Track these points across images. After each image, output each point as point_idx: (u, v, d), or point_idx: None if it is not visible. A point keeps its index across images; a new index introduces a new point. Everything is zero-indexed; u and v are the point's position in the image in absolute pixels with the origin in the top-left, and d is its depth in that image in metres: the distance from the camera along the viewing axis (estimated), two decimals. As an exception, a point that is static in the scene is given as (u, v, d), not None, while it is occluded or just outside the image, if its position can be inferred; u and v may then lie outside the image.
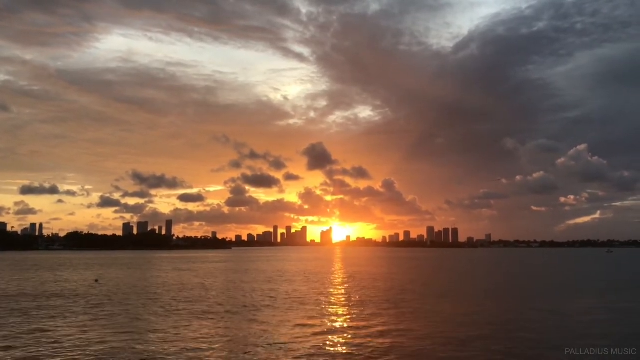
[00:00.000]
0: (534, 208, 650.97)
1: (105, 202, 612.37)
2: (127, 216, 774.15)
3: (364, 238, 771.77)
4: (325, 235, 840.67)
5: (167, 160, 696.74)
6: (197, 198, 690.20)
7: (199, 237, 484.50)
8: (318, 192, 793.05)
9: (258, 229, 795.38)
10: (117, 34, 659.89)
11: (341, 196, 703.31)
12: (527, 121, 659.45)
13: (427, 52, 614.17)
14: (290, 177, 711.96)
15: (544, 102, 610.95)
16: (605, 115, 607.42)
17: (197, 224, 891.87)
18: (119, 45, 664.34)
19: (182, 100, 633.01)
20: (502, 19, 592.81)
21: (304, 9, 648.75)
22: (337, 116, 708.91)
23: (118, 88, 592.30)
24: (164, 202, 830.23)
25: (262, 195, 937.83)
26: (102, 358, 23.17)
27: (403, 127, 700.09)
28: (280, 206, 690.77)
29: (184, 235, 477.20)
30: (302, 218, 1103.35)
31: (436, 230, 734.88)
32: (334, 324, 32.47)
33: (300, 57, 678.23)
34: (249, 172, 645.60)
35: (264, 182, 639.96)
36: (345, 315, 36.71)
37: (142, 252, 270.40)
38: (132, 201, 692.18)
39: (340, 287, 59.98)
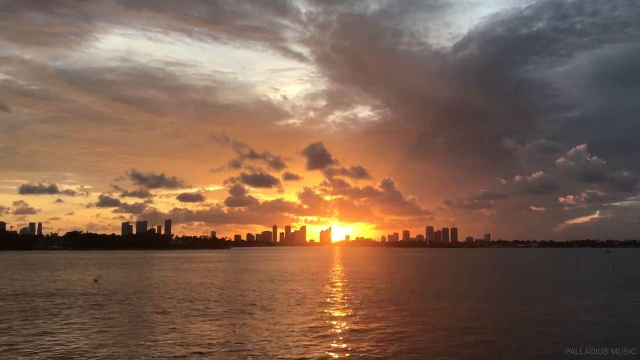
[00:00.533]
0: (533, 208, 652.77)
1: (105, 202, 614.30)
2: (127, 216, 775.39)
3: (363, 238, 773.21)
4: (325, 235, 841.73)
5: (167, 160, 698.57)
6: (196, 198, 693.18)
7: (198, 236, 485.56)
8: (317, 192, 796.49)
9: (257, 229, 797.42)
10: (117, 33, 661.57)
11: (340, 196, 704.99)
12: (527, 121, 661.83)
13: (427, 52, 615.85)
14: (289, 176, 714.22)
15: (543, 102, 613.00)
16: (604, 115, 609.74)
17: (196, 223, 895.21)
18: (118, 44, 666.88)
19: (182, 100, 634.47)
20: (501, 19, 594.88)
21: (304, 9, 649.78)
22: (337, 116, 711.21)
23: (117, 88, 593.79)
24: (163, 202, 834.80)
25: (262, 195, 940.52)
26: (102, 358, 23.10)
27: (402, 127, 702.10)
28: (279, 206, 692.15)
29: (183, 235, 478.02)
30: (302, 218, 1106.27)
31: (435, 230, 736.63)
32: (333, 324, 32.42)
33: (299, 56, 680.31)
34: (248, 172, 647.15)
35: (264, 181, 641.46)
36: (345, 315, 36.65)
37: (141, 252, 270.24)
38: (131, 201, 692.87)
39: (339, 287, 59.93)
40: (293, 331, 29.49)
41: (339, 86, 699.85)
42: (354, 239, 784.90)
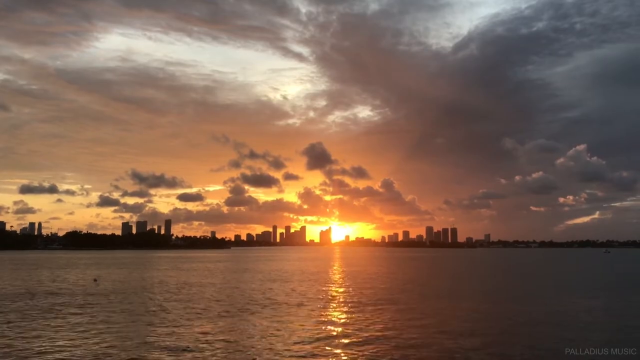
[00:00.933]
0: (533, 208, 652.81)
1: (105, 202, 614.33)
2: (126, 215, 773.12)
3: (363, 238, 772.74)
4: (325, 235, 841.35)
5: (167, 160, 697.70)
6: (196, 198, 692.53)
7: (198, 236, 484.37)
8: (317, 192, 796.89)
9: (257, 229, 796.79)
10: (117, 33, 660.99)
11: (340, 196, 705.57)
12: (527, 121, 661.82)
13: (427, 52, 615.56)
14: (289, 176, 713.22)
15: (543, 102, 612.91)
16: (604, 115, 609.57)
17: (196, 223, 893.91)
18: (118, 44, 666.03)
19: (181, 99, 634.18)
20: (501, 19, 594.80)
21: (304, 9, 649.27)
22: (337, 116, 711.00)
23: (117, 87, 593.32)
24: (163, 202, 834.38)
25: (262, 195, 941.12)
26: (101, 358, 23.10)
27: (402, 127, 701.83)
28: (279, 206, 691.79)
29: (183, 235, 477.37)
30: (302, 218, 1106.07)
31: (435, 230, 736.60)
32: (334, 324, 32.42)
33: (299, 56, 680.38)
34: (248, 172, 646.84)
35: (263, 181, 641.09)
36: (345, 315, 36.65)
37: (141, 252, 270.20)
38: (131, 200, 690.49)
39: (339, 287, 59.94)
40: (294, 331, 29.49)
41: (339, 86, 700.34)
42: (354, 239, 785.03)
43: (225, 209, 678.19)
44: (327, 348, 25.19)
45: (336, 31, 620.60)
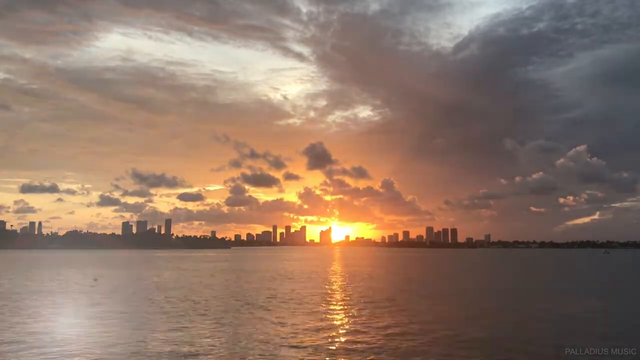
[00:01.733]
0: (533, 209, 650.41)
1: (105, 201, 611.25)
2: (127, 215, 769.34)
3: (363, 238, 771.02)
4: (325, 235, 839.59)
5: (167, 159, 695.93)
6: (196, 197, 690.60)
7: (199, 236, 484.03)
8: (317, 192, 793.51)
9: (257, 229, 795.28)
10: (117, 32, 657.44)
11: (341, 196, 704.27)
12: (527, 121, 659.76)
13: (427, 52, 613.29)
14: (289, 176, 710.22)
15: (543, 103, 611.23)
16: (604, 116, 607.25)
17: (196, 223, 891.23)
18: (118, 43, 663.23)
19: (182, 99, 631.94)
20: (502, 20, 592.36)
21: (304, 8, 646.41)
22: (337, 116, 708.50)
23: (117, 87, 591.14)
24: (164, 201, 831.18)
25: (262, 194, 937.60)
26: (101, 357, 23.13)
27: (403, 127, 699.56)
28: (279, 206, 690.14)
29: (183, 235, 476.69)
30: (302, 218, 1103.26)
31: (435, 230, 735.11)
32: (333, 324, 32.47)
33: (300, 56, 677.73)
34: (248, 172, 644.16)
35: (264, 181, 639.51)
36: (345, 314, 36.70)
37: (141, 251, 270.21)
38: (131, 200, 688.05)
39: (339, 287, 59.97)
40: (291, 331, 29.54)
41: (339, 86, 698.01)
42: (354, 239, 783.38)
43: (225, 209, 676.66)
44: (327, 348, 25.22)
45: (337, 31, 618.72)
